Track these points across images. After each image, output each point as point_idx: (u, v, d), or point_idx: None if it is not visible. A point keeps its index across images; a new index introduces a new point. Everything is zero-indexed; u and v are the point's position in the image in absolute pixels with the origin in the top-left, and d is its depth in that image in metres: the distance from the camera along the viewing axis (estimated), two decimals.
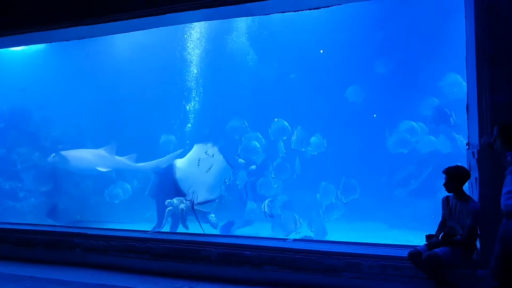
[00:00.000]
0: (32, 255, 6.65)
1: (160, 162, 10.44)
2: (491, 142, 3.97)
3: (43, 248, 6.66)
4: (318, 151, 10.24)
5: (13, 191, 12.27)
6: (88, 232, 6.56)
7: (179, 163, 8.82)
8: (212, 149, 8.55)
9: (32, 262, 6.48)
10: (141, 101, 14.17)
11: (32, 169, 12.54)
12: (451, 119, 9.60)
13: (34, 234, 6.85)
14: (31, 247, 6.73)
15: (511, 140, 3.73)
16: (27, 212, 11.89)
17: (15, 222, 8.39)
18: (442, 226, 4.58)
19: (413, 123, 10.10)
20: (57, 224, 8.90)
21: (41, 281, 5.52)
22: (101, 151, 10.99)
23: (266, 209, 9.19)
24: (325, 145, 10.04)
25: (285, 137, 10.44)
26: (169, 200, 8.33)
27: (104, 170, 10.63)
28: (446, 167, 4.48)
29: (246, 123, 10.67)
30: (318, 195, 9.72)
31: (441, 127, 9.78)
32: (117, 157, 10.99)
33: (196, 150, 8.82)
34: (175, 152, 10.39)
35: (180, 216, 8.31)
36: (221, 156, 8.59)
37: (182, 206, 8.29)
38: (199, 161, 8.54)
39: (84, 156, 10.95)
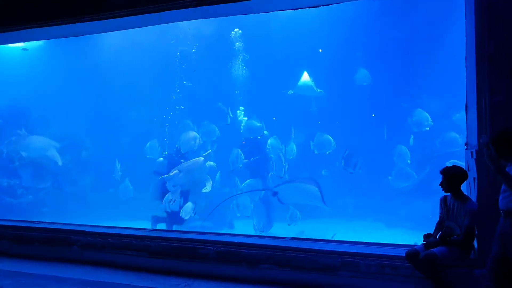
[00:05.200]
0: (29, 252, 6.64)
1: None
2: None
3: (40, 245, 6.65)
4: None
5: (11, 188, 12.27)
6: (85, 229, 6.54)
7: None
8: None
9: (29, 258, 6.47)
10: (138, 98, 14.16)
11: (30, 166, 12.54)
12: (228, 117, 9.98)
13: (31, 231, 6.84)
14: (28, 244, 6.72)
15: (505, 150, 3.71)
16: (25, 209, 11.88)
17: (12, 218, 8.36)
18: (439, 225, 4.58)
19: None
20: (54, 221, 8.91)
21: (38, 278, 5.51)
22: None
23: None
24: (334, 145, 10.09)
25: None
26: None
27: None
28: (443, 167, 4.49)
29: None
30: None
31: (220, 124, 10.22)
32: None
33: None
34: None
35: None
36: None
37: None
38: None
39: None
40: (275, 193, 9.66)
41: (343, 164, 9.54)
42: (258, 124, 10.60)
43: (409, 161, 9.87)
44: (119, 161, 10.77)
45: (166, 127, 12.66)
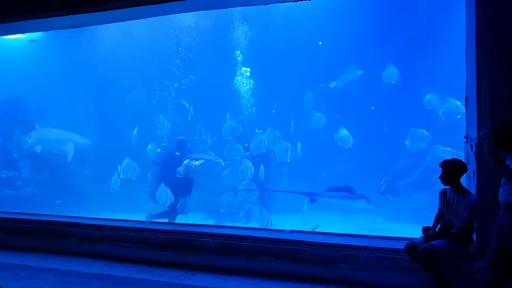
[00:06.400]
0: (27, 244, 6.63)
1: None
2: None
3: (38, 237, 6.64)
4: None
5: (10, 180, 12.26)
6: (84, 222, 6.53)
7: None
8: None
9: (27, 251, 6.46)
10: (136, 91, 14.10)
11: (29, 158, 12.51)
12: (189, 114, 10.10)
13: (30, 223, 6.82)
14: (26, 236, 6.71)
15: (505, 143, 3.71)
16: (24, 201, 11.88)
17: (11, 211, 8.36)
18: (438, 218, 4.59)
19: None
20: (54, 214, 8.89)
21: (36, 270, 5.50)
22: None
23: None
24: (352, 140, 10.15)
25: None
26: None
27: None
28: (443, 160, 4.48)
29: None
30: None
31: (181, 120, 10.30)
32: None
33: None
34: None
35: None
36: None
37: None
38: None
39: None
40: (313, 200, 9.88)
41: (382, 188, 9.44)
42: (236, 125, 10.64)
43: (425, 145, 9.81)
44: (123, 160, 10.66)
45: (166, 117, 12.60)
